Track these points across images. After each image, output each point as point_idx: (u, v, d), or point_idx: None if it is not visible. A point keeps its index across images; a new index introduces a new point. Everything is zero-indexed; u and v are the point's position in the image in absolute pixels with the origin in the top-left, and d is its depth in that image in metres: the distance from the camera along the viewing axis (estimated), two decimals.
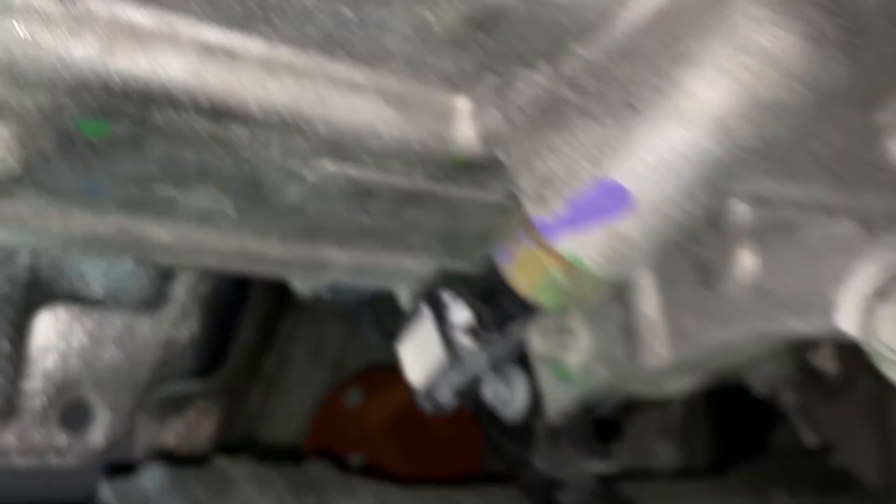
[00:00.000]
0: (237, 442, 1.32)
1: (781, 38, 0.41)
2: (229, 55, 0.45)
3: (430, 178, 0.54)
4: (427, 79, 0.50)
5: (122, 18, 0.42)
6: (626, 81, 0.44)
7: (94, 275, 1.22)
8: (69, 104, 0.43)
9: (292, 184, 0.53)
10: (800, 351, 1.20)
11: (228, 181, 0.53)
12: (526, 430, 0.75)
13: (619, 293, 0.66)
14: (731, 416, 1.60)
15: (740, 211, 0.56)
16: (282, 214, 0.58)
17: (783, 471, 1.28)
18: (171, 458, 0.93)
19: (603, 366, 0.68)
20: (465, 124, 0.51)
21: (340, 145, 0.49)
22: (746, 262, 0.58)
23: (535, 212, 0.47)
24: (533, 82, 0.49)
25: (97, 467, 1.13)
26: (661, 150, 0.43)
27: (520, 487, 0.82)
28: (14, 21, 0.40)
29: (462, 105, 0.52)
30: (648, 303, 0.64)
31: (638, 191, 0.44)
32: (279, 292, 1.42)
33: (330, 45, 0.46)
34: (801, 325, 0.56)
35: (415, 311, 0.60)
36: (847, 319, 0.52)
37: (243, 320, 1.32)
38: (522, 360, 0.75)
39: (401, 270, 0.67)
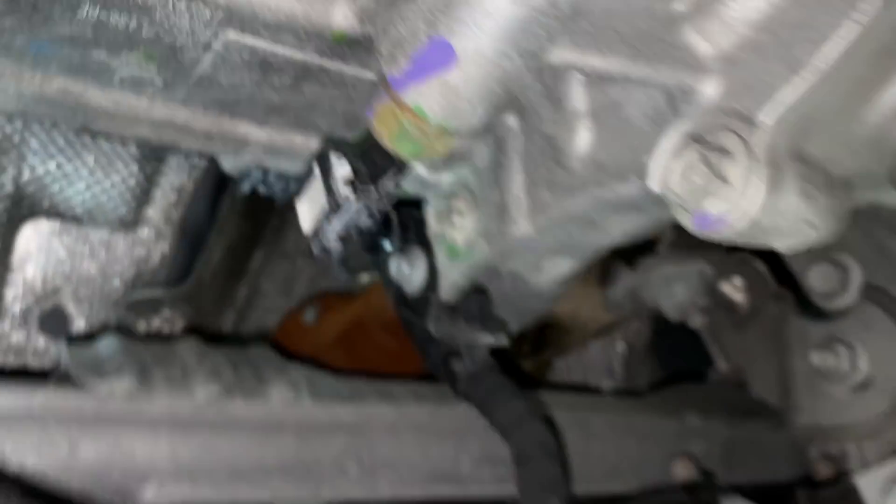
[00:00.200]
0: None
1: None
2: None
3: (318, 52, 0.65)
4: None
5: None
6: None
7: (76, 194, 1.34)
8: None
9: (203, 53, 0.64)
10: (711, 283, 1.31)
11: (150, 47, 0.64)
12: (425, 303, 0.87)
13: (497, 178, 0.78)
14: (673, 354, 1.69)
15: (577, 94, 0.67)
16: (200, 86, 0.69)
17: (699, 394, 1.37)
18: None
19: (484, 241, 0.79)
20: (342, 2, 0.62)
21: (238, 15, 0.61)
22: (583, 138, 0.68)
23: (387, 70, 0.59)
24: None
25: None
26: (475, 10, 0.54)
27: (424, 360, 0.93)
28: None
29: None
30: (516, 182, 0.75)
31: (459, 47, 0.55)
32: (249, 226, 1.53)
33: None
34: (625, 190, 0.66)
35: (308, 172, 0.71)
36: (654, 180, 0.63)
37: (208, 243, 1.43)
38: (424, 241, 0.86)
39: (312, 152, 0.78)
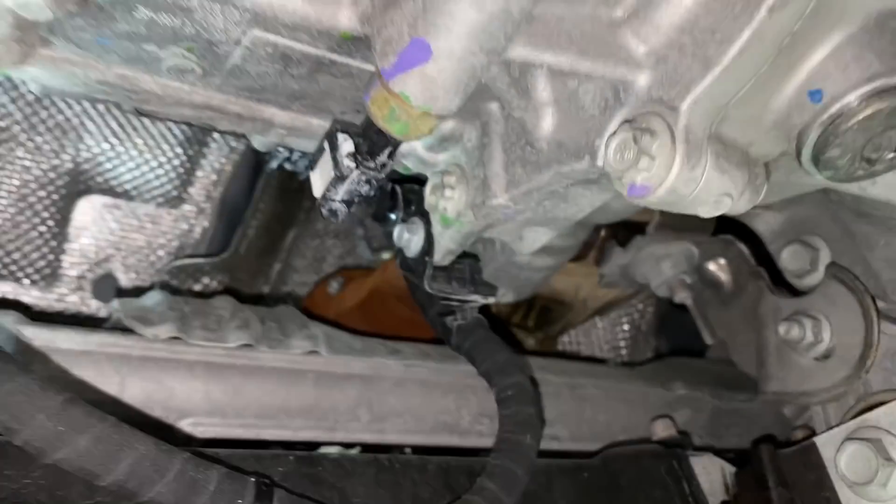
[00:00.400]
0: None
1: None
2: None
3: (329, 48, 0.79)
4: None
5: None
6: None
7: (126, 173, 1.50)
8: None
9: (235, 47, 0.79)
10: (697, 262, 1.43)
11: (191, 42, 0.79)
12: (423, 265, 1.01)
13: (482, 156, 0.91)
14: (676, 334, 1.79)
15: (541, 85, 0.80)
16: (232, 75, 0.84)
17: (688, 367, 1.48)
18: None
19: (471, 212, 0.93)
20: (347, 7, 0.76)
21: (262, 17, 0.75)
22: (548, 122, 0.81)
23: (380, 63, 0.73)
24: None
25: None
26: (445, 16, 0.68)
27: (424, 316, 1.07)
28: None
29: None
30: (497, 160, 0.89)
31: (434, 45, 0.69)
32: (283, 207, 1.68)
33: None
34: (580, 167, 0.79)
35: (320, 148, 0.86)
36: (600, 158, 0.77)
37: (245, 220, 1.57)
38: (423, 213, 1.00)
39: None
